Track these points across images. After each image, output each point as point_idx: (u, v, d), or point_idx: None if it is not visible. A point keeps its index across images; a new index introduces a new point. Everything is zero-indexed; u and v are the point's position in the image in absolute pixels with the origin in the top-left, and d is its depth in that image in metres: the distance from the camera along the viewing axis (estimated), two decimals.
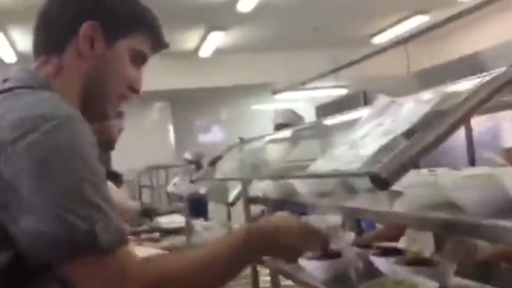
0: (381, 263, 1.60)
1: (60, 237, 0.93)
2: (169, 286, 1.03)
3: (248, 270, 2.10)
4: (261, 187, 2.08)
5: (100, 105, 1.19)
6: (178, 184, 5.41)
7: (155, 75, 8.24)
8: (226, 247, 1.11)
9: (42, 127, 0.96)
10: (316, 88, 8.02)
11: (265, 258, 1.73)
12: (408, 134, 0.95)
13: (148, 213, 4.40)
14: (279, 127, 4.30)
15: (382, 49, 5.07)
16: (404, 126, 0.96)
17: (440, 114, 0.95)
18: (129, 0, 1.21)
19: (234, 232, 1.27)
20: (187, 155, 8.56)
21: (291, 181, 1.82)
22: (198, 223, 4.83)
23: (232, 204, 2.34)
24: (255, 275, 2.12)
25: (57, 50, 1.16)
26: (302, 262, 1.70)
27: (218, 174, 2.29)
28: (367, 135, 1.05)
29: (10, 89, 1.08)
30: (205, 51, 8.74)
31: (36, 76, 1.13)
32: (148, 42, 1.21)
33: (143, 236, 4.54)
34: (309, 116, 7.31)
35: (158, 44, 1.24)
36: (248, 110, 10.91)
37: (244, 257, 1.14)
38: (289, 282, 2.04)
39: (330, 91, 8.35)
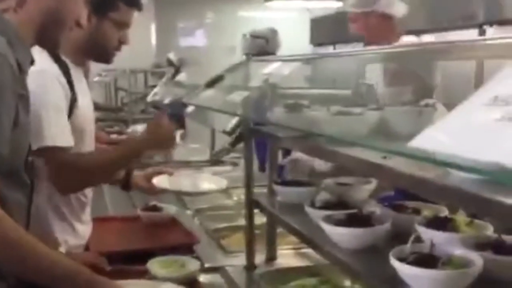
0: (442, 239, 1.21)
1: None
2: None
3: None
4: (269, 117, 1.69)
5: (55, 34, 1.44)
6: (158, 92, 5.06)
7: None
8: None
9: None
10: None
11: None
12: None
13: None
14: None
15: None
16: None
17: None
18: None
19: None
20: (172, 56, 8.00)
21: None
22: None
23: (231, 133, 1.94)
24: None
25: None
26: (326, 227, 1.34)
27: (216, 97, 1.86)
28: None
29: None
30: None
31: None
32: None
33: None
34: (303, 29, 6.82)
35: None
36: (236, 16, 10.28)
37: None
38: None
39: (327, 3, 7.80)
